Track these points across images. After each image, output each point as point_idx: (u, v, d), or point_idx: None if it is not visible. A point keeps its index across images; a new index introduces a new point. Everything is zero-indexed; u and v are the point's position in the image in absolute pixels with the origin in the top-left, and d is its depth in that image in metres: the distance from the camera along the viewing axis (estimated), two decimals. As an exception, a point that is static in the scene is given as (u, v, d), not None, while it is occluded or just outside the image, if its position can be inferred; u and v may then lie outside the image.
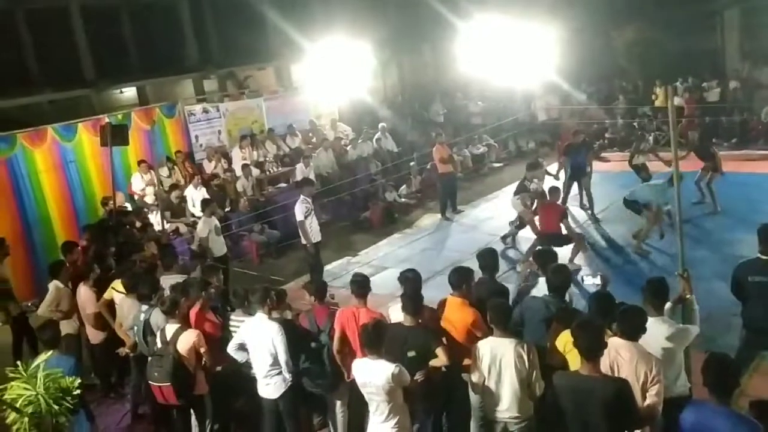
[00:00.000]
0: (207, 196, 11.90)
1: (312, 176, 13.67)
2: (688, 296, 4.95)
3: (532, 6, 15.98)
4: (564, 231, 9.44)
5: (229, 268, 9.89)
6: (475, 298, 5.49)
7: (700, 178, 11.44)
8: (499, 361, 4.63)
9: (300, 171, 13.46)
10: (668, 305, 4.82)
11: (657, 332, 4.47)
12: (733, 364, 3.96)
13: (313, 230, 9.51)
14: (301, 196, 9.50)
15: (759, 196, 11.17)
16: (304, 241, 9.53)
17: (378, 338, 4.72)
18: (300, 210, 9.35)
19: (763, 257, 5.47)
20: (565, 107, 18.76)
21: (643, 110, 17.58)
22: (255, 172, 13.59)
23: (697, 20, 18.60)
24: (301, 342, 5.75)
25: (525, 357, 4.56)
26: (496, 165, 16.76)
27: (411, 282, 5.79)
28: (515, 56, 15.84)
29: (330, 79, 15.30)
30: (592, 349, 4.01)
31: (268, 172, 13.89)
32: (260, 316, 5.67)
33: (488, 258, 6.10)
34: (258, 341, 5.61)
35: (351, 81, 15.47)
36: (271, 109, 15.97)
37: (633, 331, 4.24)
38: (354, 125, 17.46)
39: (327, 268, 10.77)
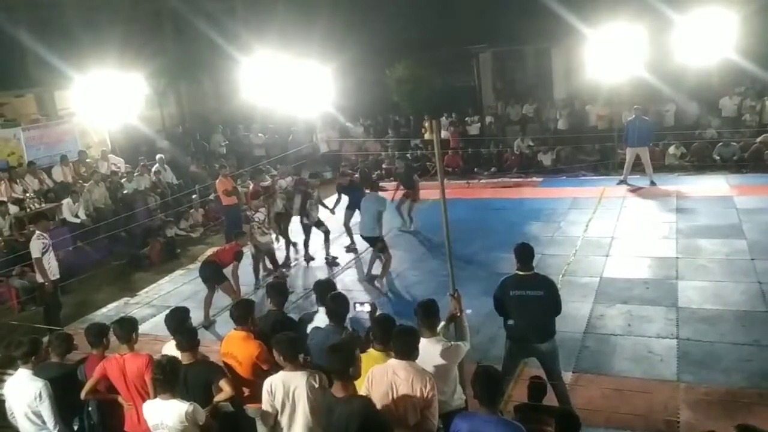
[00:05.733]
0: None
1: (81, 212, 12.71)
2: (458, 314, 5.34)
3: (310, 44, 16.51)
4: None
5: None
6: (262, 331, 5.43)
7: (400, 203, 12.52)
8: (291, 394, 4.59)
9: (67, 207, 12.39)
10: (442, 324, 5.16)
11: (431, 351, 4.74)
12: (498, 375, 4.30)
13: (51, 267, 9.07)
14: (36, 232, 9.03)
15: (515, 218, 12.52)
16: (41, 280, 9.08)
17: (170, 377, 4.54)
18: (36, 247, 8.90)
19: (520, 273, 6.02)
20: (344, 139, 19.51)
21: (415, 142, 18.91)
22: (13, 209, 12.25)
23: (458, 61, 20.53)
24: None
25: (318, 387, 4.58)
26: (282, 196, 16.81)
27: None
28: (296, 90, 16.18)
29: (100, 108, 14.35)
30: (342, 371, 4.17)
31: (28, 209, 12.56)
32: (22, 373, 5.13)
33: (276, 290, 6.08)
34: (18, 403, 5.10)
35: (124, 110, 14.66)
36: (31, 140, 14.65)
37: (407, 350, 4.44)
38: (129, 156, 16.50)
39: (102, 311, 10.12)
